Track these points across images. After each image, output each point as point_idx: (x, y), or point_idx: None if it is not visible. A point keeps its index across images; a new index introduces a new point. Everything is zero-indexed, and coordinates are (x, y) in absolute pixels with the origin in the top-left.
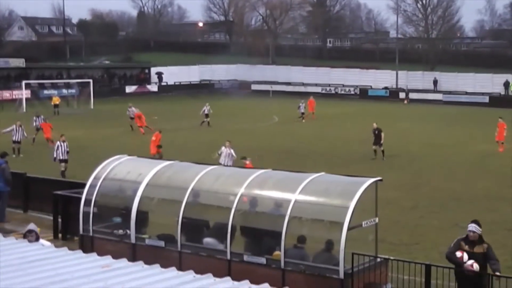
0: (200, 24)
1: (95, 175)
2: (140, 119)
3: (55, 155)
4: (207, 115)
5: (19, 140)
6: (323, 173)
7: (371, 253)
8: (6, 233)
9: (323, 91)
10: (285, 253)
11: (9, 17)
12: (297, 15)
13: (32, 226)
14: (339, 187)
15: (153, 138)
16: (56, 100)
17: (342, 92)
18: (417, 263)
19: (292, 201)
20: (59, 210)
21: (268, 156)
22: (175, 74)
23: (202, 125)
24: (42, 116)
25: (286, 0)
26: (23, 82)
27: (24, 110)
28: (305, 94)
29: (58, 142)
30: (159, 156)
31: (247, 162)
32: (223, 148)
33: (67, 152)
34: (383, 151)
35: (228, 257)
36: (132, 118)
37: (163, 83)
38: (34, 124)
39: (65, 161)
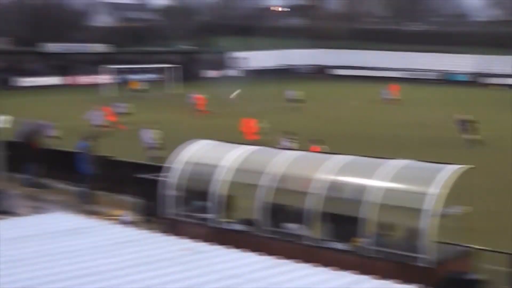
0: (279, 8)
1: (177, 158)
2: (200, 103)
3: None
4: (294, 101)
5: (101, 124)
6: (406, 160)
7: (455, 242)
8: (92, 215)
9: (402, 76)
10: (366, 240)
11: (93, 3)
12: None
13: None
14: (423, 173)
15: (248, 125)
16: (136, 84)
17: (422, 76)
18: (502, 253)
19: (374, 187)
20: (143, 193)
21: (349, 142)
22: (253, 59)
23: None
24: (123, 104)
25: None
26: (107, 67)
27: (108, 94)
28: (384, 79)
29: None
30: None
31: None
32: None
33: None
34: (473, 139)
35: (309, 242)
36: (193, 105)
37: (242, 68)
38: (115, 108)
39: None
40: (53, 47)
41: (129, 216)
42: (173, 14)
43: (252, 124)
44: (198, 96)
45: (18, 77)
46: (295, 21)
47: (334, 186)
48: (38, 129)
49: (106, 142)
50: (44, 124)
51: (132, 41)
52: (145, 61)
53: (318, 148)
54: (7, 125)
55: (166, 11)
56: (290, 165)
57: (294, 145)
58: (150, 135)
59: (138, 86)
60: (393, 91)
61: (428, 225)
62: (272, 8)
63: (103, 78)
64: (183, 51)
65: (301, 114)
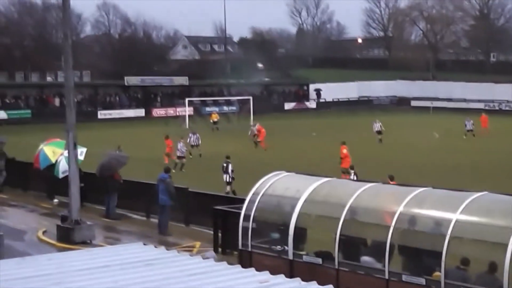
0: (359, 40)
1: (254, 190)
2: (260, 134)
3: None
4: (379, 132)
5: (183, 155)
6: (485, 192)
7: None
8: (169, 246)
9: (486, 107)
10: (445, 274)
11: (174, 36)
12: (459, 29)
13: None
14: (504, 206)
15: (344, 152)
16: (214, 116)
17: (507, 108)
18: None
19: (453, 221)
20: (219, 224)
21: (430, 172)
22: (333, 90)
23: (379, 141)
24: (197, 135)
25: (447, 14)
26: (186, 100)
27: (187, 126)
28: (467, 111)
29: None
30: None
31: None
32: None
33: (232, 172)
34: None
35: (386, 276)
36: (255, 135)
37: (321, 100)
38: (189, 140)
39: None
40: (133, 80)
41: (206, 248)
42: (253, 46)
43: (344, 152)
44: (259, 128)
45: (101, 109)
46: (376, 53)
47: (413, 219)
48: (117, 160)
49: (183, 173)
50: (123, 155)
51: (213, 74)
52: (225, 93)
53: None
54: (82, 157)
55: (246, 43)
56: (368, 198)
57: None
58: (228, 168)
59: (217, 118)
60: (482, 121)
61: (507, 259)
62: (355, 40)
63: (182, 110)
64: (263, 83)
65: (385, 145)
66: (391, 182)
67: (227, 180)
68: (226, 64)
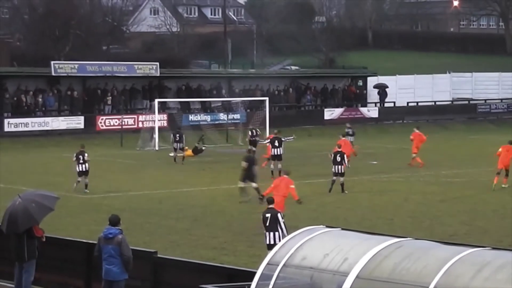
0: (455, 3)
1: (269, 259)
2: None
3: None
4: None
5: None
6: None
7: None
8: None
9: None
10: None
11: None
12: None
13: None
14: None
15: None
16: (188, 152)
17: None
18: None
19: None
20: None
21: None
22: (407, 88)
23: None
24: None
25: None
26: (156, 101)
27: (157, 147)
28: None
29: None
30: None
31: None
32: None
33: None
34: None
35: None
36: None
37: (387, 103)
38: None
39: None
40: (66, 67)
41: None
42: (279, 13)
43: None
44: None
45: (10, 116)
46: (486, 25)
47: None
48: (39, 205)
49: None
50: (48, 196)
51: (200, 58)
52: (223, 91)
53: None
54: None
55: (258, 7)
56: (469, 273)
57: None
58: None
59: (190, 154)
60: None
61: None
62: (444, 2)
63: (149, 119)
64: (288, 74)
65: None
66: None
67: None
68: (225, 41)
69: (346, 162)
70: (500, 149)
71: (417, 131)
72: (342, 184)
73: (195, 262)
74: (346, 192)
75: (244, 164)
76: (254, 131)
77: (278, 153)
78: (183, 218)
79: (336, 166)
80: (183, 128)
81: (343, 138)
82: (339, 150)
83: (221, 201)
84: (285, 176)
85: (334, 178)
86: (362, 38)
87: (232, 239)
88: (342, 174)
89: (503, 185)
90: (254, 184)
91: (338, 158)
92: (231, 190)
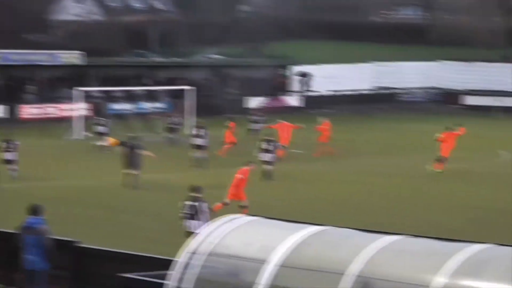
0: None
1: (190, 248)
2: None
3: None
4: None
5: None
6: None
7: None
8: None
9: None
10: None
11: None
12: None
13: None
14: None
15: None
16: (114, 142)
17: None
18: None
19: None
20: None
21: (496, 218)
22: (331, 76)
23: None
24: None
25: None
26: (78, 90)
27: (81, 136)
28: None
29: None
30: None
31: None
32: None
33: None
34: None
35: None
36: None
37: (310, 93)
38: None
39: None
40: None
41: None
42: (204, 4)
43: None
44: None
45: None
46: (408, 15)
47: None
48: None
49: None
50: None
51: (128, 47)
52: (148, 80)
53: None
54: None
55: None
56: (388, 260)
57: None
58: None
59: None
60: None
61: None
62: None
63: (74, 109)
64: (213, 63)
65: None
66: None
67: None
68: (152, 30)
69: (279, 147)
70: (441, 135)
71: (325, 120)
72: (269, 172)
73: (116, 252)
74: (273, 180)
75: (124, 150)
76: (172, 118)
77: (201, 143)
78: (108, 208)
79: (266, 155)
80: (107, 117)
81: (280, 122)
82: (269, 138)
83: (146, 190)
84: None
85: (264, 166)
86: (287, 28)
87: (160, 229)
88: (270, 163)
89: (436, 170)
90: (135, 172)
91: (268, 146)
92: (157, 179)
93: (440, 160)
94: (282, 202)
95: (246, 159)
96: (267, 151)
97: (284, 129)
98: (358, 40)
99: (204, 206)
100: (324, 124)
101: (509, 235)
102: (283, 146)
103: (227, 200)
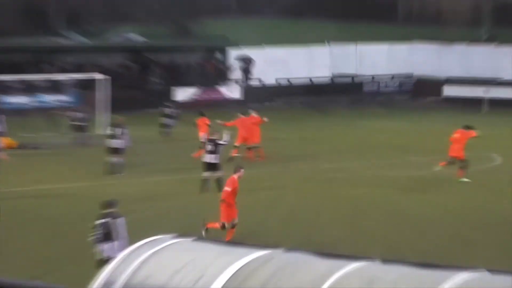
0: None
1: (102, 279)
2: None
3: None
4: None
5: None
6: None
7: None
8: None
9: None
10: None
11: None
12: None
13: None
14: None
15: None
16: (10, 143)
17: None
18: None
19: None
20: None
21: (491, 229)
22: (277, 62)
23: None
24: None
25: None
26: None
27: None
28: None
29: None
30: None
31: None
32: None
33: None
34: None
35: None
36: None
37: (254, 82)
38: None
39: None
40: None
41: None
42: None
43: None
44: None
45: None
46: None
47: None
48: None
49: None
50: None
51: (24, 26)
52: (52, 67)
53: None
54: None
55: None
56: None
57: None
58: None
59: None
60: None
61: None
62: None
63: None
64: (132, 45)
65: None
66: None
67: None
68: (55, 5)
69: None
70: (454, 135)
71: (254, 114)
72: (218, 181)
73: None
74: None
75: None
76: (78, 113)
77: (117, 145)
78: None
79: (209, 156)
80: (1, 112)
81: (201, 118)
82: (212, 137)
83: (50, 204)
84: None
85: (206, 174)
86: (223, 3)
87: (61, 251)
88: (215, 167)
89: (463, 179)
90: None
91: (210, 147)
92: (61, 190)
93: (453, 162)
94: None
95: (171, 163)
96: (211, 152)
97: (244, 124)
98: (312, 17)
99: (120, 222)
100: (247, 119)
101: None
102: (238, 145)
103: (224, 223)
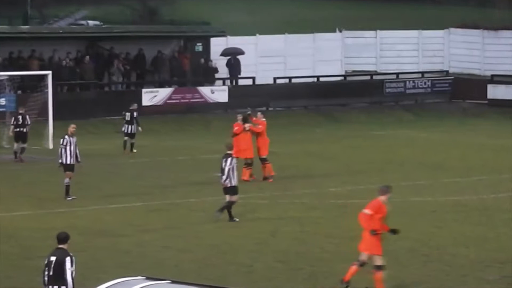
0: None
1: None
2: None
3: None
4: None
5: None
6: None
7: None
8: None
9: None
10: None
11: None
12: None
13: None
14: None
15: None
16: None
17: None
18: None
19: None
20: None
21: None
22: (274, 55)
23: None
24: None
25: None
26: None
27: None
28: None
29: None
30: None
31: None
32: None
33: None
34: None
35: None
36: None
37: (242, 80)
38: None
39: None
40: None
41: None
42: None
43: None
44: None
45: None
46: None
47: None
48: None
49: None
50: None
51: None
52: None
53: None
54: None
55: None
56: None
57: None
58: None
59: None
60: None
61: None
62: None
63: None
64: (90, 31)
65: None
66: None
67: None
68: None
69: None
70: None
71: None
72: (227, 207)
73: None
74: (236, 219)
75: None
76: (21, 117)
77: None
78: None
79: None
80: None
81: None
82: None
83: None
84: None
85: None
86: None
87: None
88: (232, 190)
89: None
90: None
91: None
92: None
93: None
94: None
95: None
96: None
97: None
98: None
99: (67, 262)
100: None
101: None
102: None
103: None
